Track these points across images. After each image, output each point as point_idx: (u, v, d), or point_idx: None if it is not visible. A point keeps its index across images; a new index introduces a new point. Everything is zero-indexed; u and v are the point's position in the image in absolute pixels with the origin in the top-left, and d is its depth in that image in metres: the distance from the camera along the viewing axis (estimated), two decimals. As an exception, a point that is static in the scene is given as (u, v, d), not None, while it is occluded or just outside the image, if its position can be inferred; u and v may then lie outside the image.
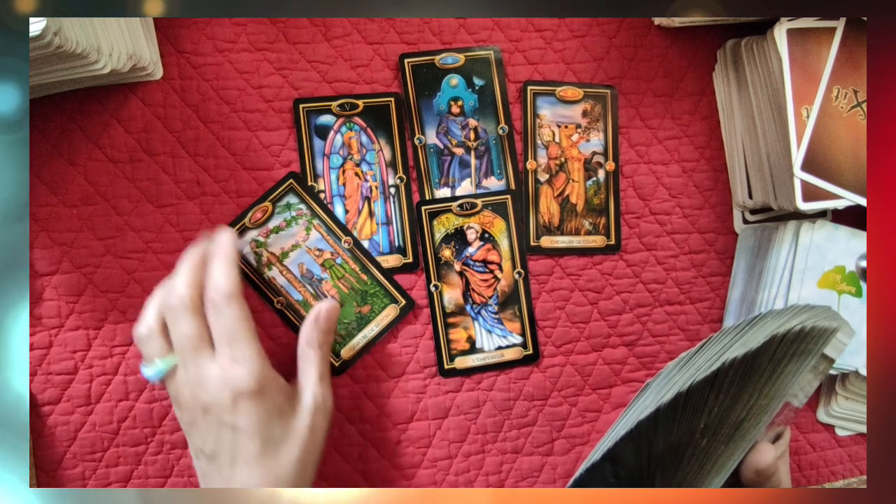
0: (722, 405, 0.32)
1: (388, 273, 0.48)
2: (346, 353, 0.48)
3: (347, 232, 0.47)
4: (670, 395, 0.31)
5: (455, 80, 0.50)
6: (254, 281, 0.47)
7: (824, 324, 0.34)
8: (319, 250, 0.47)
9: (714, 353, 0.34)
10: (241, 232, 0.46)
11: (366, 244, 0.50)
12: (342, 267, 0.47)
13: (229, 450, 0.39)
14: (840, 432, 0.55)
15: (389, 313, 0.48)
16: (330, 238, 0.47)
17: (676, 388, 0.31)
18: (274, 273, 0.47)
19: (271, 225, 0.47)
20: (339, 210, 0.49)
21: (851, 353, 0.48)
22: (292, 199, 0.47)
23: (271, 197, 0.47)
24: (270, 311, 0.48)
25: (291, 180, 0.47)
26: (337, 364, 0.48)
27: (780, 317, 0.35)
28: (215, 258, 0.41)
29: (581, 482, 0.34)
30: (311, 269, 0.47)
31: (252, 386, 0.38)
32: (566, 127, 0.52)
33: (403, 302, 0.48)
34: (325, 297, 0.47)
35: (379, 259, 0.50)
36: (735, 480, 0.34)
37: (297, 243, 0.47)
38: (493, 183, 0.51)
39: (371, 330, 0.48)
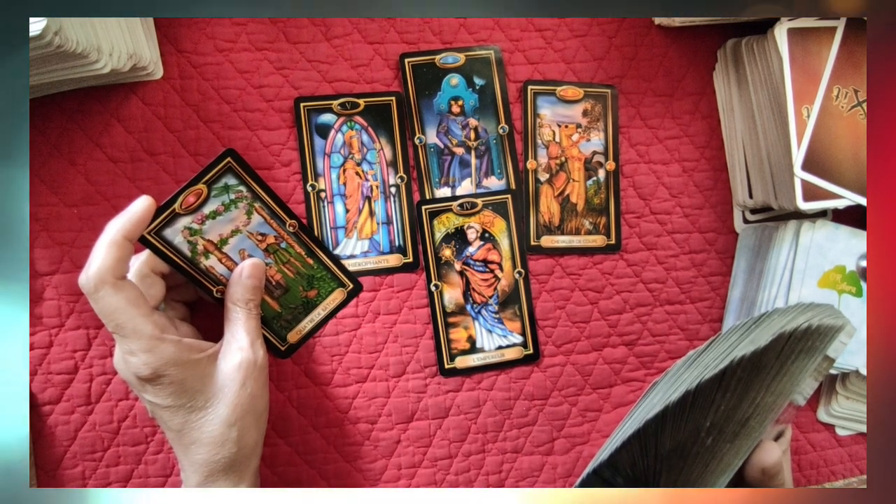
0: (729, 403, 0.32)
1: (335, 257, 0.46)
2: (292, 336, 0.46)
3: (292, 215, 0.44)
4: (678, 393, 0.31)
5: (455, 79, 0.50)
6: (189, 272, 0.42)
7: (830, 322, 0.34)
8: (262, 235, 0.43)
9: (722, 351, 0.34)
10: (172, 219, 0.41)
11: (366, 244, 0.50)
12: (287, 251, 0.44)
13: (167, 423, 0.40)
14: (840, 432, 0.55)
15: (336, 297, 0.46)
16: (274, 221, 0.43)
17: (685, 387, 0.31)
18: (212, 262, 0.43)
19: (207, 210, 0.42)
20: (339, 209, 0.49)
21: (851, 353, 0.48)
22: (230, 179, 0.42)
23: (206, 178, 0.41)
24: (210, 304, 0.46)
25: (229, 159, 0.42)
26: (283, 348, 0.46)
27: (787, 314, 0.35)
28: (97, 243, 0.38)
29: (587, 483, 0.34)
30: (254, 255, 0.43)
31: (148, 373, 0.38)
32: (566, 126, 0.52)
33: (351, 286, 0.47)
34: (270, 282, 0.45)
35: (379, 259, 0.50)
36: (738, 480, 0.34)
37: (237, 228, 0.43)
38: (493, 182, 0.51)
39: (318, 314, 0.46)
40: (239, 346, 0.41)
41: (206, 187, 0.41)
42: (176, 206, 0.41)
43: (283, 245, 0.44)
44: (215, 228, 0.42)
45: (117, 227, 0.38)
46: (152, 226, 0.40)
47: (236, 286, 0.42)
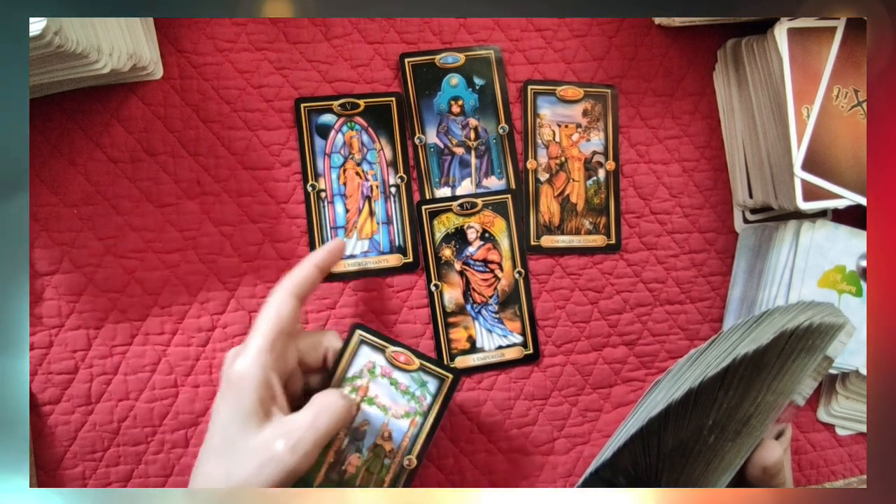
0: (731, 402, 0.32)
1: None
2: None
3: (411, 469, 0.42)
4: (681, 391, 0.31)
5: (455, 79, 0.50)
6: (334, 378, 0.42)
7: (831, 320, 0.34)
8: (388, 437, 0.42)
9: (724, 350, 0.34)
10: (382, 350, 0.43)
11: (366, 244, 0.50)
12: (380, 468, 0.42)
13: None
14: (840, 432, 0.55)
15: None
16: (408, 444, 0.42)
17: (687, 385, 0.31)
18: (349, 392, 0.42)
19: (400, 379, 0.43)
20: (339, 209, 0.49)
21: (851, 353, 0.48)
22: (431, 392, 0.43)
23: (430, 367, 0.43)
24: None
25: (452, 381, 0.43)
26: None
27: (788, 313, 0.35)
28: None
29: (590, 482, 0.34)
30: (361, 442, 0.42)
31: (230, 370, 0.39)
32: (566, 126, 0.52)
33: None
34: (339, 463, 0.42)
35: (379, 258, 0.50)
36: (739, 479, 0.34)
37: (387, 410, 0.42)
38: (493, 182, 0.51)
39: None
40: (283, 433, 0.37)
41: (419, 362, 0.43)
42: (389, 350, 0.43)
43: (387, 461, 0.42)
44: (385, 394, 0.43)
45: (314, 256, 0.43)
46: (371, 335, 0.43)
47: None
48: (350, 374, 0.43)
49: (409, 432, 0.42)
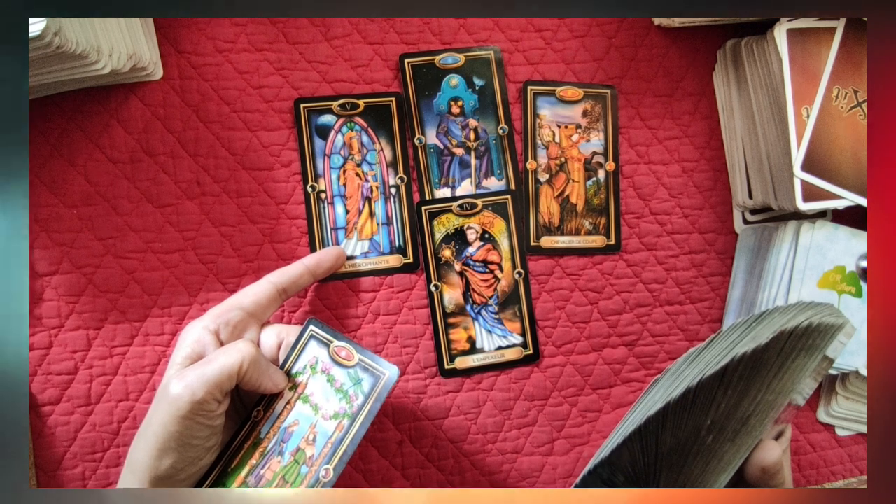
0: (729, 401, 0.32)
1: None
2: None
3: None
4: (680, 390, 0.31)
5: (455, 80, 0.50)
6: (285, 362, 0.42)
7: (830, 320, 0.34)
8: (303, 447, 0.40)
9: (723, 349, 0.34)
10: (325, 343, 0.42)
11: (366, 244, 0.50)
12: (293, 469, 0.40)
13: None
14: (840, 432, 0.55)
15: None
16: (318, 458, 0.40)
17: (686, 384, 0.31)
18: (287, 390, 0.41)
19: (337, 375, 0.41)
20: (339, 210, 0.49)
21: (851, 353, 0.48)
22: (364, 391, 0.41)
23: (365, 360, 0.41)
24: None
25: (387, 378, 0.41)
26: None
27: (787, 312, 0.35)
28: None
29: (587, 481, 0.34)
30: (286, 444, 0.40)
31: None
32: (566, 127, 0.52)
33: None
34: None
35: (379, 259, 0.50)
36: (738, 479, 0.34)
37: (318, 409, 0.41)
38: (493, 183, 0.51)
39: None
40: (182, 375, 0.38)
41: (358, 360, 0.42)
42: (333, 345, 0.42)
43: (303, 470, 0.40)
44: (320, 391, 0.41)
45: (306, 257, 0.47)
46: (322, 331, 0.42)
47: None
48: (295, 369, 0.42)
49: (334, 437, 0.40)
